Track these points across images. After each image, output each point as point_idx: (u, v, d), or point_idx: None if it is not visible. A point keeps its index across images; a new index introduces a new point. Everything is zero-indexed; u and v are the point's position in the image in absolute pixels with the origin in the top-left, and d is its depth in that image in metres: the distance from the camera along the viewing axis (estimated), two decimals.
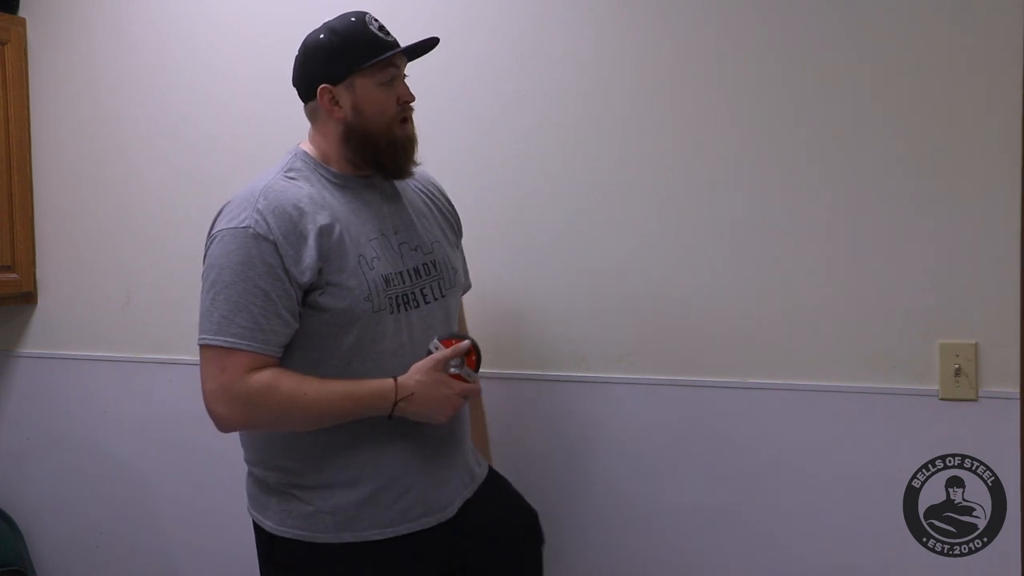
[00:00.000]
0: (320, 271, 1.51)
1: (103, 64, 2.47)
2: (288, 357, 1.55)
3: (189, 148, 2.37)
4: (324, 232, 1.52)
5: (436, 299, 1.64)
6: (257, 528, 1.65)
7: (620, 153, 1.96)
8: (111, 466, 2.52)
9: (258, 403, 1.50)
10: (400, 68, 1.61)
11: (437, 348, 1.58)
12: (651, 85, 1.93)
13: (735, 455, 1.89)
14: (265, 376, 1.49)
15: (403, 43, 1.60)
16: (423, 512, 1.60)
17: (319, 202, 1.56)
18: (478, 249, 1.91)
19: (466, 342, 1.58)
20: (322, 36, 1.58)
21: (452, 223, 1.80)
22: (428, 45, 1.63)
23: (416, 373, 1.55)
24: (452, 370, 1.57)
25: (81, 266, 2.54)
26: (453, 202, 1.82)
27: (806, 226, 1.83)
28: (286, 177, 1.58)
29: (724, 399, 1.90)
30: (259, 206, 1.51)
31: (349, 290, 1.52)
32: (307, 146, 1.65)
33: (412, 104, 1.62)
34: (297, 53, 1.63)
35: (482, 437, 1.90)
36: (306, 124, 2.20)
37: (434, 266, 1.65)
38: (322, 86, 1.57)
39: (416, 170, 1.69)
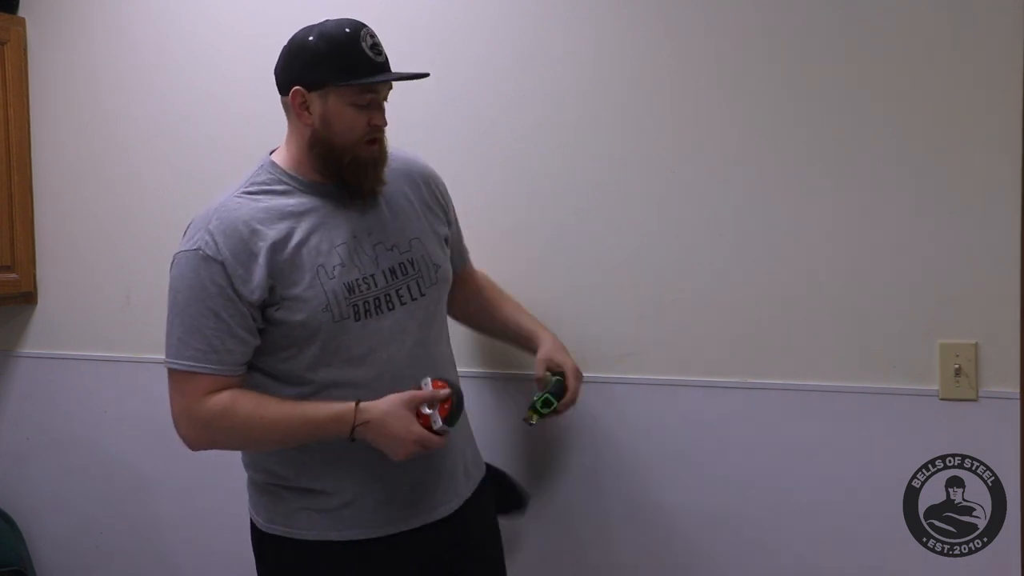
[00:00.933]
0: (272, 288, 1.52)
1: (103, 64, 2.47)
2: (256, 370, 1.58)
3: (189, 148, 2.37)
4: (276, 248, 1.51)
5: (415, 299, 1.62)
6: (251, 525, 1.69)
7: (620, 153, 1.96)
8: (111, 466, 2.51)
9: (216, 426, 1.54)
10: (379, 94, 1.57)
11: (426, 386, 1.55)
12: (651, 85, 1.93)
13: (735, 455, 1.89)
14: (223, 399, 1.52)
15: (395, 62, 1.57)
16: (409, 514, 1.60)
17: (276, 215, 1.54)
18: (478, 249, 1.91)
19: (446, 391, 1.53)
20: (311, 38, 1.55)
21: (440, 212, 1.75)
22: (415, 76, 1.59)
23: (385, 403, 1.50)
24: (425, 410, 1.51)
25: (81, 266, 2.53)
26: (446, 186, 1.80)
27: (806, 226, 1.83)
28: (244, 193, 1.58)
29: (724, 399, 1.90)
30: (211, 227, 1.52)
31: (305, 302, 1.52)
32: (279, 152, 1.64)
33: (383, 129, 1.59)
34: (285, 44, 1.60)
35: (526, 320, 1.88)
36: None
37: (412, 265, 1.62)
38: (296, 88, 1.55)
39: (398, 160, 1.69)
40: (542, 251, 2.02)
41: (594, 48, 1.97)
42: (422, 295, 1.63)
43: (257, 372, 1.58)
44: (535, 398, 1.71)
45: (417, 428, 1.49)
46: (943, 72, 1.73)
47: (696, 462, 1.93)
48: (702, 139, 1.89)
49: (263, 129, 2.27)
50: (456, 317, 1.89)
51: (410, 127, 2.07)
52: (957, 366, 1.73)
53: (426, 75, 1.60)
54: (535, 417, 1.70)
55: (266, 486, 1.64)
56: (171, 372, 1.55)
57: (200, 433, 1.57)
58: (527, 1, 2.02)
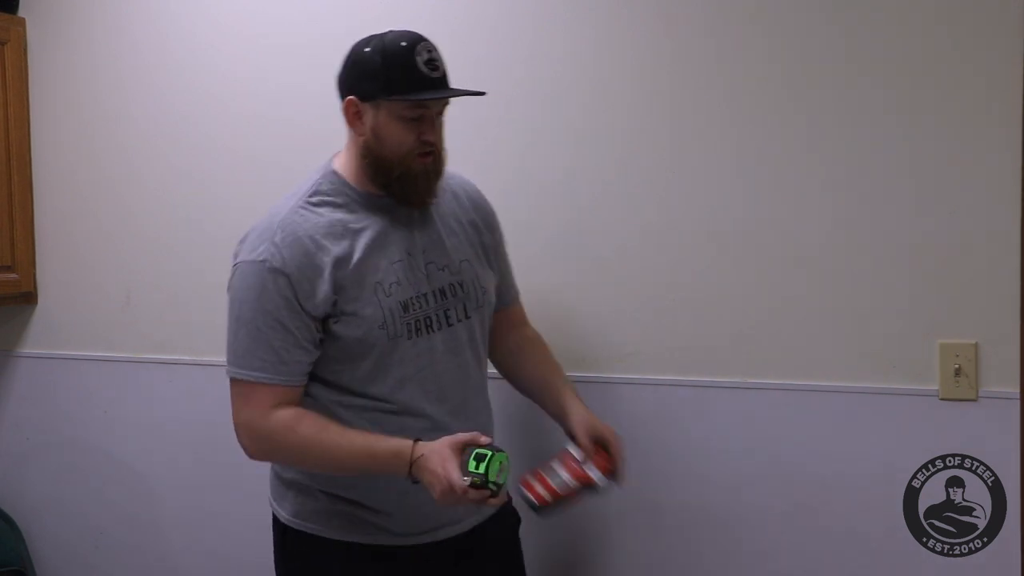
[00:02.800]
0: (335, 303, 1.53)
1: (103, 64, 2.47)
2: (313, 380, 1.58)
3: (189, 148, 2.37)
4: (339, 263, 1.53)
5: (460, 320, 1.62)
6: (273, 517, 1.70)
7: (620, 154, 1.96)
8: (111, 466, 2.52)
9: (276, 441, 1.55)
10: (431, 109, 1.54)
11: (569, 447, 1.59)
12: (651, 85, 1.93)
13: (735, 455, 1.89)
14: (287, 416, 1.53)
15: (451, 81, 1.55)
16: (434, 525, 1.61)
17: (339, 231, 1.55)
18: None
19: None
20: (367, 49, 1.54)
21: (488, 237, 1.73)
22: (469, 94, 1.56)
23: (439, 443, 1.46)
24: (471, 461, 1.41)
25: (81, 266, 2.54)
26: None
27: (806, 226, 1.83)
28: (307, 204, 1.57)
29: (724, 399, 1.90)
30: (276, 239, 1.53)
31: (363, 319, 1.53)
32: (340, 159, 1.63)
33: (437, 143, 1.56)
34: (346, 52, 1.59)
35: (570, 391, 1.75)
36: (304, 125, 2.23)
37: (461, 287, 1.62)
38: (350, 97, 1.55)
39: (455, 181, 1.70)
40: (543, 251, 2.02)
41: (594, 48, 1.97)
42: (467, 317, 1.63)
43: (314, 382, 1.58)
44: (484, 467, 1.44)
45: (451, 467, 1.42)
46: (943, 72, 1.73)
47: (696, 462, 1.93)
48: (702, 139, 1.89)
49: (263, 129, 2.28)
50: (492, 358, 1.83)
51: None
52: (957, 366, 1.73)
53: (481, 93, 1.56)
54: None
55: (293, 481, 1.65)
56: (235, 381, 1.56)
57: (260, 445, 1.58)
58: (527, 1, 2.02)
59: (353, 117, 1.56)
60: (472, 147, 2.06)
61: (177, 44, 2.38)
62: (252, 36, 2.29)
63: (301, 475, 1.64)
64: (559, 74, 2.00)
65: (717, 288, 1.89)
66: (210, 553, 2.40)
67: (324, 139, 2.20)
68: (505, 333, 1.81)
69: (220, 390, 2.30)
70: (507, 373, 1.84)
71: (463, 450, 1.44)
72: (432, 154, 1.56)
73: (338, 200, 1.58)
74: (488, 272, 1.71)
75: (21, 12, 2.57)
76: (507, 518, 1.75)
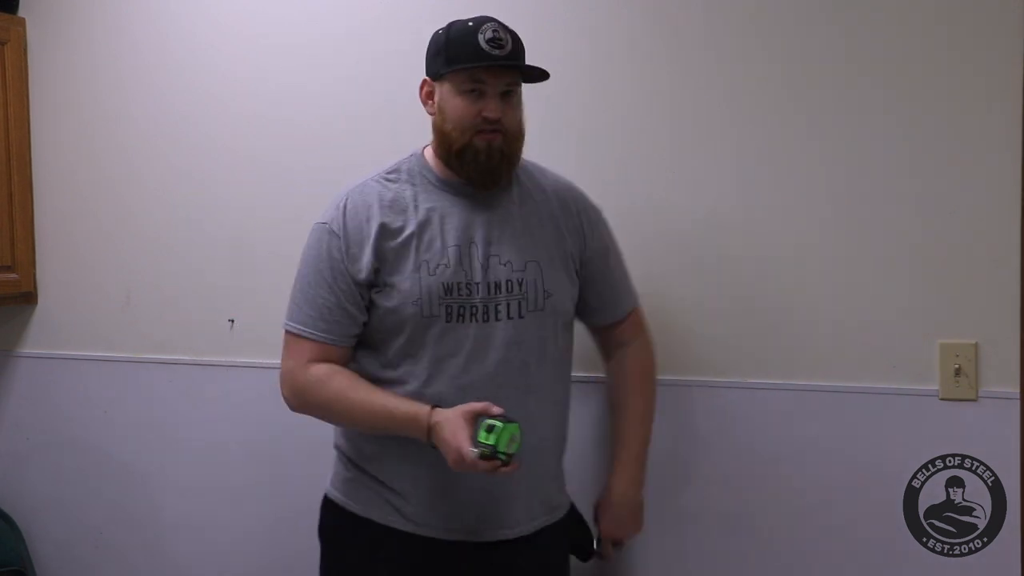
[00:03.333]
0: (377, 271, 1.58)
1: (103, 64, 2.47)
2: (359, 352, 1.65)
3: (189, 148, 2.37)
4: (388, 234, 1.58)
5: (511, 318, 1.59)
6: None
7: (620, 152, 1.96)
8: (111, 466, 2.51)
9: (308, 393, 1.62)
10: (487, 83, 1.55)
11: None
12: (650, 85, 1.93)
13: (735, 455, 1.89)
14: (321, 370, 1.60)
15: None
16: (447, 521, 1.60)
17: (402, 205, 1.60)
18: None
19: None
20: (440, 31, 1.61)
21: (574, 243, 1.69)
22: (533, 71, 1.58)
23: (453, 411, 1.48)
24: (481, 431, 1.43)
25: (81, 266, 2.53)
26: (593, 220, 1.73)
27: (806, 226, 1.83)
28: (383, 178, 1.65)
29: (724, 399, 1.90)
30: (342, 204, 1.62)
31: (400, 292, 1.57)
32: (428, 147, 1.67)
33: (500, 120, 1.56)
34: None
35: (625, 455, 1.78)
36: (304, 125, 2.23)
37: (519, 284, 1.60)
38: (425, 78, 1.62)
39: (553, 181, 1.71)
40: None
41: (594, 48, 1.97)
42: (520, 317, 1.60)
43: (363, 351, 1.64)
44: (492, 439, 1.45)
45: (462, 437, 1.43)
46: (943, 72, 1.73)
47: (696, 462, 1.93)
48: (702, 139, 1.90)
49: (263, 129, 2.28)
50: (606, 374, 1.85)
51: (409, 129, 2.07)
52: (957, 366, 1.73)
53: (541, 72, 1.58)
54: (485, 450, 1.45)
55: (338, 449, 1.72)
56: (286, 333, 1.65)
57: (296, 397, 1.65)
58: (526, 1, 2.02)
59: (426, 97, 1.62)
60: None
61: (177, 44, 2.37)
62: (252, 36, 2.28)
63: (342, 442, 1.70)
64: (559, 74, 1.99)
65: (717, 288, 1.89)
66: (210, 553, 2.40)
67: (324, 139, 2.22)
68: (607, 352, 1.83)
69: (220, 390, 2.33)
70: (608, 395, 1.86)
71: (475, 420, 1.45)
72: (497, 133, 1.57)
73: (415, 180, 1.64)
74: (564, 279, 1.66)
75: (21, 12, 2.57)
76: (545, 536, 1.69)
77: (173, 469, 2.43)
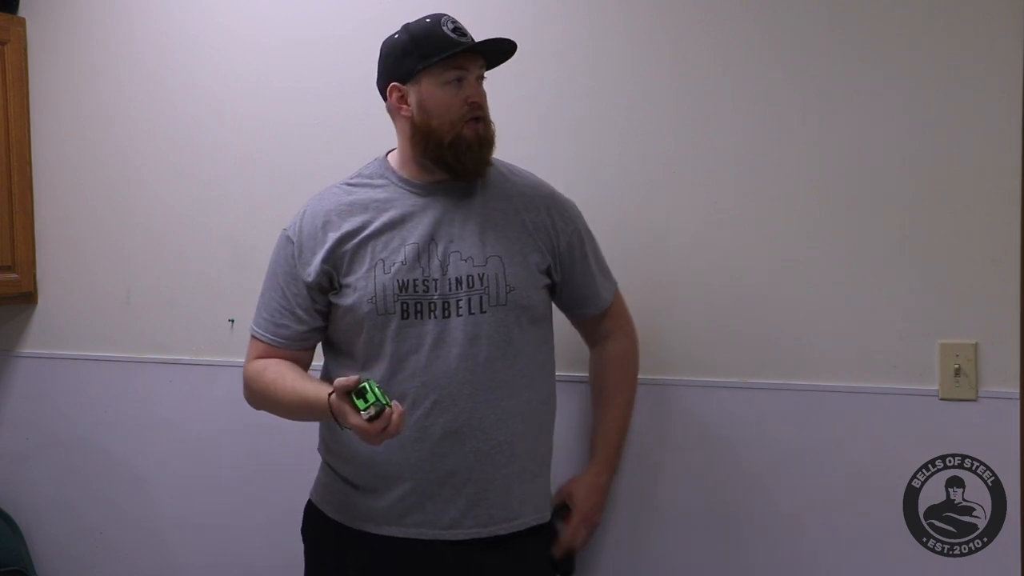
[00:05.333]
0: (329, 274, 1.62)
1: (103, 64, 2.47)
2: (328, 355, 1.72)
3: (189, 148, 2.37)
4: (343, 239, 1.62)
5: (473, 313, 1.59)
6: None
7: (620, 152, 1.96)
8: (111, 466, 2.51)
9: (251, 388, 1.70)
10: (468, 69, 1.59)
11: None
12: (651, 84, 1.93)
13: (735, 455, 1.89)
14: (259, 364, 1.67)
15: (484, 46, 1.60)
16: (420, 521, 1.61)
17: (360, 207, 1.63)
18: None
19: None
20: (396, 36, 1.62)
21: (544, 240, 1.67)
22: (503, 50, 1.61)
23: (334, 400, 1.47)
24: (356, 402, 1.43)
25: (81, 266, 2.53)
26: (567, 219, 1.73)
27: (806, 226, 1.83)
28: (346, 184, 1.69)
29: (724, 399, 1.90)
30: (303, 211, 1.68)
31: (355, 290, 1.60)
32: (394, 153, 1.70)
33: (482, 105, 1.60)
34: (379, 54, 1.66)
35: (601, 443, 1.85)
36: (304, 125, 2.23)
37: (480, 280, 1.60)
38: (392, 84, 1.61)
39: (521, 178, 1.71)
40: None
41: (595, 48, 1.97)
42: (482, 312, 1.60)
43: (339, 355, 1.69)
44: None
45: (356, 419, 1.42)
46: (944, 72, 1.73)
47: (696, 462, 1.92)
48: (703, 139, 1.89)
49: (263, 129, 2.28)
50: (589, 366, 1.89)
51: None
52: (957, 366, 1.73)
53: (512, 44, 1.62)
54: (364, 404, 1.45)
55: (322, 460, 1.76)
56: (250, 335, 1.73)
57: (246, 390, 1.72)
58: (528, 2, 2.02)
59: (398, 102, 1.62)
60: None
61: (177, 44, 2.37)
62: (252, 36, 2.28)
63: (322, 448, 1.75)
64: (559, 75, 2.00)
65: (717, 288, 1.89)
66: (210, 553, 2.40)
67: (324, 139, 2.22)
68: (592, 342, 1.86)
69: (220, 390, 2.33)
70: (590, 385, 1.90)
71: (345, 397, 1.43)
72: (481, 120, 1.60)
73: (377, 182, 1.67)
74: (528, 274, 1.65)
75: (21, 12, 2.57)
76: (528, 563, 1.69)
77: (173, 469, 2.43)
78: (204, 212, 2.36)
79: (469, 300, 1.60)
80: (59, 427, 2.58)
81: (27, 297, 2.58)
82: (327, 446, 1.73)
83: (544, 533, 1.73)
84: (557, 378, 1.77)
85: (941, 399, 1.75)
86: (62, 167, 2.55)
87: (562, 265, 1.71)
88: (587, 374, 1.90)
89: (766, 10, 1.84)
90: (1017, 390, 1.71)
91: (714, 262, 1.90)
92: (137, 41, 2.42)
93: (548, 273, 1.69)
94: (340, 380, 1.44)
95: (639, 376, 1.93)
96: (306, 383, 1.60)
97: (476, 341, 1.59)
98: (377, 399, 1.41)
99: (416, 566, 1.62)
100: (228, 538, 2.36)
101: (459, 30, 1.59)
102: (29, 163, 2.57)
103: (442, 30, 1.57)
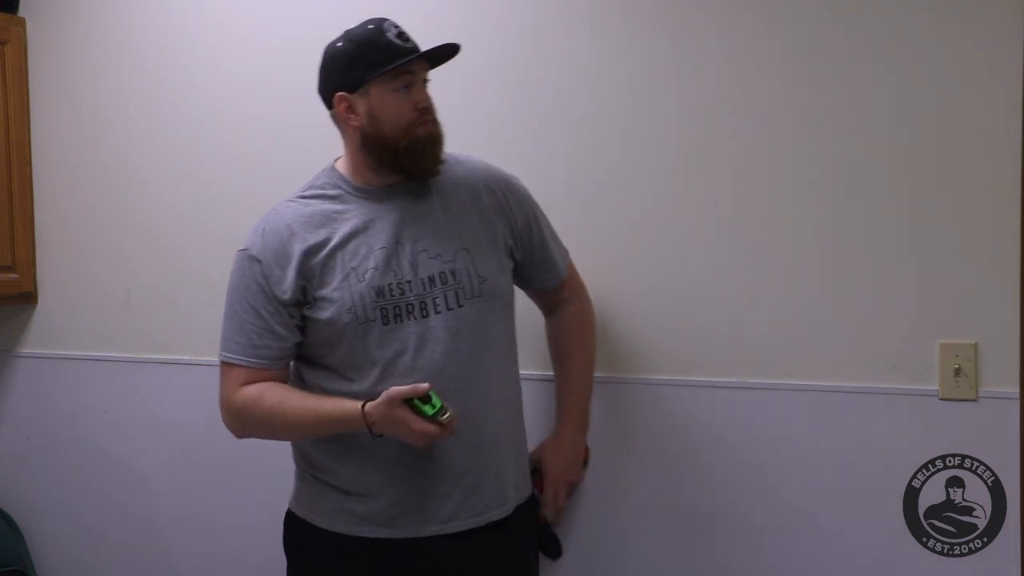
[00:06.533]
0: (304, 288, 1.60)
1: (103, 64, 2.47)
2: (303, 368, 1.68)
3: (189, 148, 2.37)
4: (311, 252, 1.59)
5: (451, 308, 1.60)
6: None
7: (621, 153, 1.96)
8: (111, 466, 2.51)
9: (245, 415, 1.64)
10: (417, 74, 1.60)
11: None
12: (652, 85, 1.93)
13: (735, 455, 1.89)
14: (253, 390, 1.62)
15: (423, 48, 1.60)
16: (418, 519, 1.61)
17: (320, 220, 1.61)
18: None
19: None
20: (339, 44, 1.61)
21: (502, 221, 1.70)
22: (447, 51, 1.61)
23: (381, 406, 1.50)
24: (422, 408, 1.49)
25: (81, 266, 2.53)
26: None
27: (807, 226, 1.83)
28: (300, 197, 1.66)
29: (724, 399, 1.90)
30: (260, 228, 1.64)
31: (332, 302, 1.58)
32: (341, 160, 1.69)
33: (431, 108, 1.61)
34: (320, 62, 1.65)
35: (569, 403, 1.87)
36: (303, 125, 2.22)
37: (453, 275, 1.62)
38: (339, 94, 1.60)
39: (465, 166, 1.71)
40: None
41: (595, 49, 1.97)
42: (460, 306, 1.61)
43: (306, 366, 1.67)
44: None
45: (418, 425, 1.48)
46: (944, 72, 1.73)
47: (696, 462, 1.92)
48: (703, 139, 1.89)
49: (264, 129, 2.28)
50: (546, 335, 1.90)
51: None
52: (957, 366, 1.73)
53: (457, 46, 1.62)
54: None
55: (300, 465, 1.73)
56: (220, 364, 1.66)
57: (235, 421, 1.66)
58: (528, 3, 2.02)
59: (346, 112, 1.60)
60: (474, 149, 2.07)
61: (177, 44, 2.37)
62: (253, 36, 2.28)
63: (300, 460, 1.71)
64: (558, 77, 2.00)
65: (717, 288, 1.89)
66: (210, 553, 2.40)
67: (324, 139, 2.20)
68: (549, 311, 1.87)
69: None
70: (550, 353, 1.90)
71: (404, 404, 1.48)
72: (430, 120, 1.61)
73: (331, 192, 1.65)
74: (495, 261, 1.68)
75: (21, 12, 2.57)
76: (517, 522, 1.71)
77: (173, 469, 2.43)
78: (204, 212, 2.35)
79: (445, 296, 1.61)
80: (59, 427, 2.58)
81: (27, 297, 2.58)
82: (309, 458, 1.69)
83: (529, 507, 1.76)
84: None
85: (941, 399, 1.75)
86: (62, 167, 2.55)
87: (522, 243, 1.74)
88: (552, 372, 1.92)
89: (766, 10, 1.83)
90: (1017, 390, 1.71)
91: (714, 262, 1.90)
92: (137, 41, 2.43)
93: (511, 255, 1.73)
94: (399, 389, 1.48)
95: (640, 375, 1.93)
96: (320, 400, 1.59)
97: (458, 336, 1.60)
98: (441, 403, 1.49)
99: (415, 563, 1.62)
100: (228, 538, 2.36)
101: (403, 35, 1.59)
102: (29, 163, 2.57)
103: (386, 37, 1.56)
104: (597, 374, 1.95)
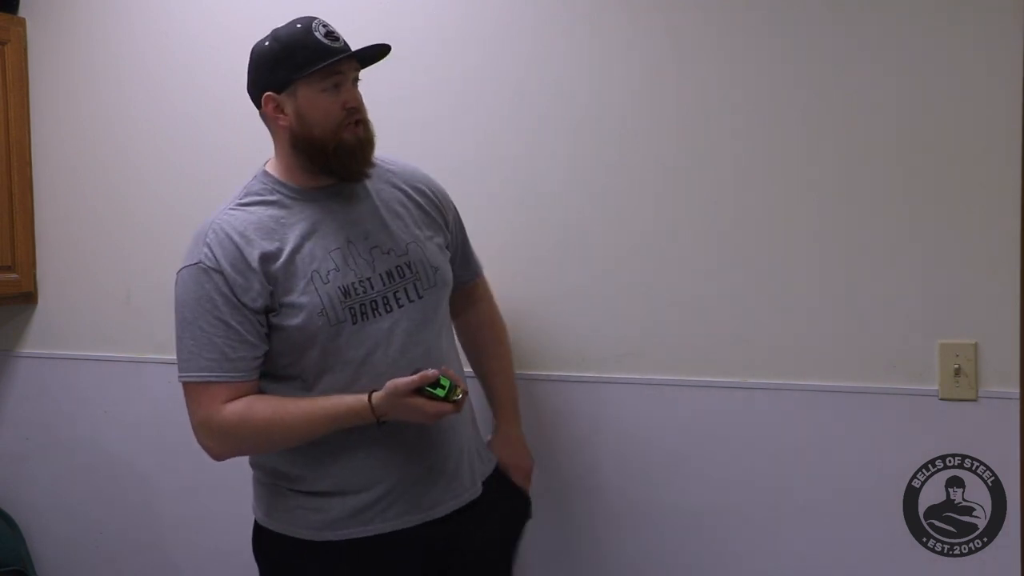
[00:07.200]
0: (272, 294, 1.56)
1: (103, 64, 2.47)
2: (266, 376, 1.61)
3: (189, 148, 2.37)
4: (269, 258, 1.55)
5: (412, 301, 1.62)
6: (254, 520, 1.71)
7: (622, 153, 1.96)
8: (111, 466, 2.52)
9: (237, 433, 1.57)
10: (346, 74, 1.58)
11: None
12: (653, 87, 1.93)
13: (735, 455, 1.89)
14: (239, 406, 1.55)
15: (355, 47, 1.59)
16: (405, 511, 1.61)
17: (270, 226, 1.58)
18: (480, 248, 1.91)
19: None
20: (267, 43, 1.59)
21: (438, 218, 1.75)
22: (378, 51, 1.60)
23: (392, 398, 1.51)
24: (430, 390, 1.52)
25: (81, 266, 2.54)
26: (446, 194, 1.80)
27: (806, 226, 1.83)
28: (239, 206, 1.62)
29: (724, 399, 1.90)
30: (208, 240, 1.57)
31: (301, 307, 1.55)
32: (270, 163, 1.67)
33: (360, 108, 1.60)
34: (248, 61, 1.63)
35: (505, 399, 1.90)
36: None
37: (409, 267, 1.63)
38: (266, 94, 1.59)
39: (398, 167, 1.73)
40: (543, 251, 2.02)
41: (595, 50, 1.97)
42: (420, 297, 1.64)
43: (271, 381, 1.61)
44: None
45: (432, 407, 1.50)
46: (943, 72, 1.73)
47: (696, 462, 1.93)
48: (702, 140, 1.89)
49: (263, 129, 2.27)
50: (456, 331, 1.89)
51: (411, 130, 2.08)
52: (957, 366, 1.73)
53: (387, 47, 1.61)
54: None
55: (268, 482, 1.67)
56: (186, 385, 1.59)
57: (221, 442, 1.59)
58: (528, 3, 2.02)
59: (274, 112, 1.59)
60: (474, 149, 2.07)
61: (177, 44, 2.38)
62: (252, 36, 2.27)
63: (269, 475, 1.66)
64: (558, 78, 2.00)
65: (717, 288, 1.89)
66: (210, 553, 2.40)
67: None
68: (462, 308, 1.87)
69: None
70: (463, 349, 1.90)
71: (415, 394, 1.51)
72: (360, 122, 1.60)
73: (270, 198, 1.62)
74: (439, 252, 1.72)
75: (21, 12, 2.57)
76: (496, 522, 1.74)
77: (173, 469, 2.43)
78: (204, 212, 2.34)
79: (406, 289, 1.62)
80: (59, 427, 2.58)
81: (27, 297, 2.59)
82: (281, 472, 1.63)
83: (498, 475, 1.79)
84: (551, 378, 1.93)
85: (941, 399, 1.75)
86: (62, 167, 2.55)
87: (454, 238, 1.80)
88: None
89: (766, 10, 1.83)
90: (1017, 390, 1.70)
91: (714, 262, 1.90)
92: (137, 41, 2.43)
93: (447, 248, 1.76)
94: (404, 380, 1.49)
95: (640, 375, 1.94)
96: (314, 401, 1.56)
97: (423, 326, 1.63)
98: (450, 382, 1.52)
99: (404, 554, 1.62)
100: (228, 538, 2.36)
101: (332, 35, 1.57)
102: (29, 163, 2.57)
103: (314, 36, 1.55)
104: (597, 374, 1.95)
